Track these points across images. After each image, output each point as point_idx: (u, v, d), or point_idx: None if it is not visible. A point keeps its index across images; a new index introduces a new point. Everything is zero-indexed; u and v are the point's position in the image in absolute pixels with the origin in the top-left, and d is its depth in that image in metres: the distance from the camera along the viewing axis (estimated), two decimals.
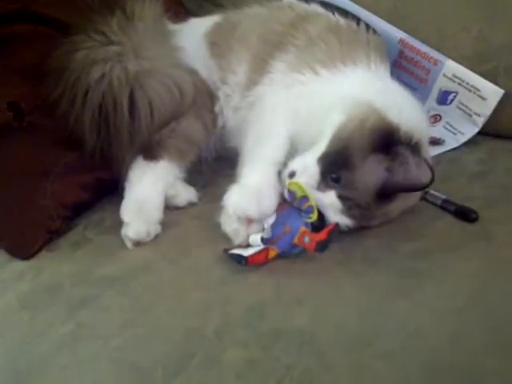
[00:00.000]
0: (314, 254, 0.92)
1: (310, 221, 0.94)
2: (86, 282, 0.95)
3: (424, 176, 0.93)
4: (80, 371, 0.81)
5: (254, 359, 0.77)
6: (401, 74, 1.32)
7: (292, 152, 1.05)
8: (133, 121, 1.08)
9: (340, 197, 0.94)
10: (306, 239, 0.90)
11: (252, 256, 0.91)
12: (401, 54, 1.33)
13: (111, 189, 1.13)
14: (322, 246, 0.90)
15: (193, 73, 1.21)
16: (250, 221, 0.96)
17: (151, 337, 0.83)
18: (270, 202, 0.97)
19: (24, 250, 1.04)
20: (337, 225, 0.94)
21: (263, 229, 0.95)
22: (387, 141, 0.96)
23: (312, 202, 0.94)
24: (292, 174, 0.97)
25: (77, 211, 1.12)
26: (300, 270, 0.92)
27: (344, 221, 0.95)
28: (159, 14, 1.28)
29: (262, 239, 0.93)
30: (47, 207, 1.07)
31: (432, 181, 0.93)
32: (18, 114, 1.13)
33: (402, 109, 1.02)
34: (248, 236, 0.95)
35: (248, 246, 0.95)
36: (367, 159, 0.95)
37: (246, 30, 1.28)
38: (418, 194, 1.03)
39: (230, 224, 0.97)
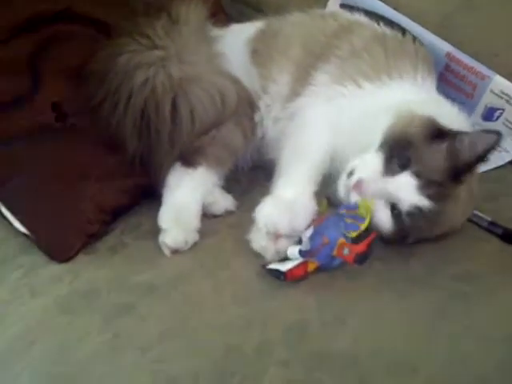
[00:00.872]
0: (356, 270, 0.90)
1: (353, 234, 0.90)
2: (123, 288, 0.94)
3: (488, 137, 0.92)
4: (118, 380, 0.80)
5: (295, 380, 0.76)
6: (446, 88, 1.29)
7: (332, 170, 1.03)
8: (174, 127, 1.08)
9: (414, 173, 0.91)
10: (346, 251, 0.88)
11: (291, 270, 0.89)
12: (447, 67, 1.30)
13: (150, 194, 1.13)
14: (361, 258, 0.88)
15: (236, 81, 1.19)
16: (278, 236, 0.95)
17: (190, 350, 0.82)
18: (302, 219, 0.95)
19: (62, 253, 1.03)
20: (376, 236, 0.91)
21: (300, 241, 0.93)
22: (440, 131, 0.95)
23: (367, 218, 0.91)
24: (351, 172, 0.94)
25: (115, 215, 1.11)
26: (342, 286, 0.90)
27: (422, 201, 0.90)
28: (204, 19, 1.27)
29: (301, 252, 0.91)
30: (86, 211, 1.06)
31: (499, 138, 0.91)
32: (61, 115, 1.13)
33: (448, 119, 1.00)
34: (277, 251, 0.94)
35: (286, 258, 0.93)
36: (431, 146, 0.93)
37: (287, 39, 1.26)
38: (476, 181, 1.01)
39: (258, 241, 0.96)
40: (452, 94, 1.29)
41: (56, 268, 1.02)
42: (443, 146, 0.93)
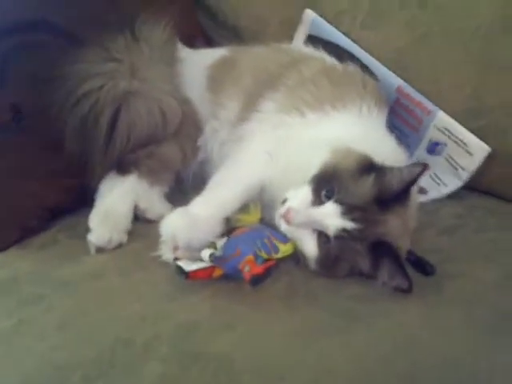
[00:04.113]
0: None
1: (265, 256, 0.95)
2: (40, 280, 1.00)
3: (415, 168, 0.96)
4: (9, 363, 0.85)
5: (169, 375, 0.80)
6: (395, 120, 1.34)
7: (273, 198, 1.06)
8: (109, 139, 1.14)
9: (337, 201, 0.95)
10: (247, 268, 0.91)
11: (195, 271, 0.92)
12: (397, 101, 1.35)
13: (93, 196, 1.18)
14: (256, 280, 0.91)
15: (185, 102, 1.25)
16: (176, 247, 0.98)
17: (81, 341, 0.87)
18: (200, 238, 0.98)
19: None
20: (275, 264, 0.95)
21: (214, 246, 0.97)
22: (372, 165, 0.99)
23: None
24: (284, 200, 0.99)
25: (55, 213, 1.17)
26: (242, 297, 0.93)
27: (347, 224, 0.94)
28: (168, 39, 1.33)
29: (211, 256, 0.94)
30: (26, 206, 1.12)
31: (425, 168, 0.95)
32: (17, 116, 1.20)
33: (385, 156, 1.03)
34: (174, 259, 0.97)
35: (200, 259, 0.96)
36: (358, 179, 0.97)
37: (241, 69, 1.31)
38: (415, 215, 1.04)
39: (164, 252, 1.00)
40: (401, 127, 1.35)
41: None
42: (371, 177, 0.97)
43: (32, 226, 1.13)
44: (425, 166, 0.96)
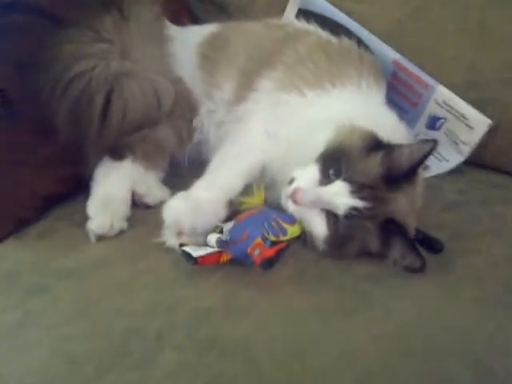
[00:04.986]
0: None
1: (272, 238, 0.92)
2: (44, 271, 0.96)
3: (425, 145, 0.95)
4: (20, 356, 0.81)
5: (185, 363, 0.78)
6: (393, 95, 1.31)
7: (277, 178, 1.04)
8: (103, 121, 1.10)
9: (345, 179, 0.93)
10: (257, 252, 0.89)
11: (203, 257, 0.90)
12: (394, 75, 1.33)
13: (89, 182, 1.14)
14: (267, 264, 0.89)
15: (177, 82, 1.21)
16: (180, 232, 0.96)
17: (92, 331, 0.84)
18: (205, 223, 0.96)
19: None
20: (287, 246, 0.93)
21: (221, 230, 0.94)
22: (379, 144, 0.97)
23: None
24: (291, 180, 0.97)
25: (50, 202, 1.13)
26: (253, 281, 0.92)
27: (357, 203, 0.92)
28: (156, 17, 1.29)
29: (218, 241, 0.92)
30: (20, 196, 1.08)
31: (435, 146, 0.94)
32: (5, 101, 1.15)
33: (389, 132, 1.02)
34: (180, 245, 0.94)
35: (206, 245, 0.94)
36: (366, 157, 0.96)
37: (235, 47, 1.28)
38: (421, 193, 1.02)
39: (168, 238, 0.98)
40: (398, 102, 1.33)
41: None
42: (379, 155, 0.96)
43: (27, 216, 1.09)
44: (435, 143, 0.94)
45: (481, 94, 1.25)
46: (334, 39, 1.25)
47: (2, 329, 0.86)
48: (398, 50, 1.32)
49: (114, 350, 0.80)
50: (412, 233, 0.98)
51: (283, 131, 1.08)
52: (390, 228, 0.94)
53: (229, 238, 0.92)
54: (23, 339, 0.84)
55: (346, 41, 1.26)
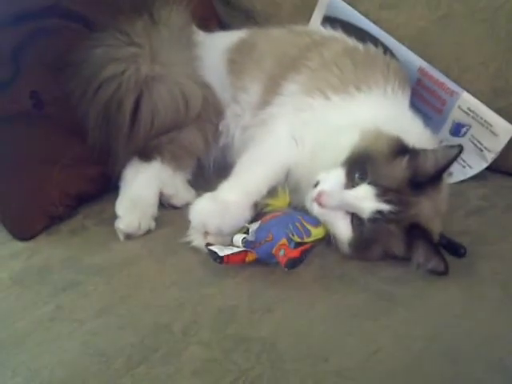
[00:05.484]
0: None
1: (297, 240, 0.94)
2: (75, 267, 1.00)
3: (451, 151, 0.96)
4: (52, 349, 0.84)
5: (212, 359, 0.79)
6: (417, 102, 1.32)
7: (301, 181, 1.06)
8: (133, 124, 1.13)
9: (371, 183, 0.94)
10: (282, 252, 0.91)
11: (228, 256, 0.92)
12: (419, 82, 1.34)
13: (116, 183, 1.17)
14: (292, 263, 0.91)
15: (205, 86, 1.24)
16: (207, 233, 0.98)
17: (121, 326, 0.86)
18: (231, 224, 0.98)
19: (23, 232, 1.09)
20: (312, 247, 0.95)
21: (247, 230, 0.95)
22: (404, 147, 0.98)
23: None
24: (316, 183, 0.98)
25: (80, 201, 1.17)
26: (277, 280, 0.94)
27: (381, 206, 0.93)
28: (186, 22, 1.32)
29: (244, 241, 0.94)
30: (51, 194, 1.12)
31: (460, 151, 0.95)
32: (38, 103, 1.18)
33: (414, 137, 1.03)
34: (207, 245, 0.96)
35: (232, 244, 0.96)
36: (392, 162, 0.97)
37: (262, 52, 1.30)
38: (446, 198, 1.03)
39: (194, 238, 1.00)
40: (423, 109, 1.33)
41: (17, 245, 1.08)
42: (404, 160, 0.97)
43: (58, 213, 1.13)
44: (460, 149, 0.95)
45: (507, 101, 1.25)
46: (360, 46, 1.27)
47: (34, 323, 0.89)
48: (424, 58, 1.32)
49: (143, 345, 0.82)
50: (436, 238, 0.99)
51: (308, 135, 1.09)
52: (414, 232, 0.95)
53: (254, 238, 0.94)
54: (54, 333, 0.87)
55: (372, 47, 1.27)
